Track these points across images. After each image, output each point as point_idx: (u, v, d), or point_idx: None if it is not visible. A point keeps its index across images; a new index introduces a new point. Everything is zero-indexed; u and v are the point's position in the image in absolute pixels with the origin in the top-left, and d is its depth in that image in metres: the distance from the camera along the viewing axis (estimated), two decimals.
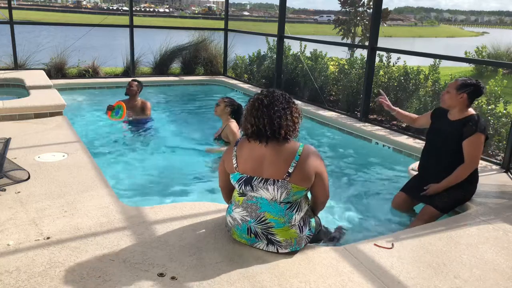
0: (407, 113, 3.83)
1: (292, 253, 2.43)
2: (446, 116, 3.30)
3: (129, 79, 6.13)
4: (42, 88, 6.17)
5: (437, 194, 3.21)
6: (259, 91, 2.48)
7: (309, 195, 2.59)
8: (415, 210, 3.51)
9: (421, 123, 3.63)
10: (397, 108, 3.78)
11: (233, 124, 4.55)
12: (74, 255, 2.30)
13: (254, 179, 2.36)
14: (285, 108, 2.35)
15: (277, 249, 2.41)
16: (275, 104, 2.33)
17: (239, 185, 2.41)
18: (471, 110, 3.23)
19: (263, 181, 2.35)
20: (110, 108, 5.59)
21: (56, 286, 2.05)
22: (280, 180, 2.32)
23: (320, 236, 2.67)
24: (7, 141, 4.05)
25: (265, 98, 2.35)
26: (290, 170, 2.31)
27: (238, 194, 2.47)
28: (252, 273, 2.23)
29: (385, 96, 3.82)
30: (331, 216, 3.43)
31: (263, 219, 2.38)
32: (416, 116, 3.74)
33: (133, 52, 8.20)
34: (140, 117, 5.81)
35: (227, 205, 2.72)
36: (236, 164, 2.41)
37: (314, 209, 2.62)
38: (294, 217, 2.38)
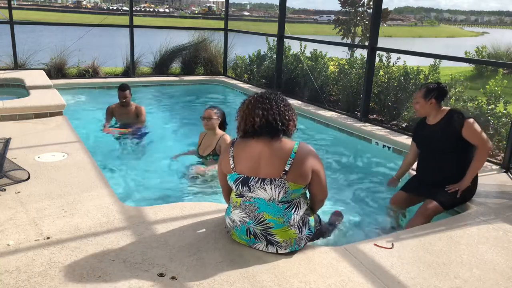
0: (403, 166, 3.74)
1: (291, 253, 2.43)
2: (426, 123, 3.40)
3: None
4: (42, 88, 6.17)
5: (441, 190, 3.22)
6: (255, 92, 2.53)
7: (308, 194, 2.59)
8: (410, 211, 3.50)
9: (413, 153, 3.62)
10: (396, 178, 3.75)
11: (227, 136, 4.09)
12: (74, 255, 2.30)
13: (251, 179, 2.37)
14: (278, 102, 2.40)
15: (276, 250, 2.41)
16: (268, 99, 2.39)
17: (236, 186, 2.41)
18: (445, 108, 3.33)
19: (260, 181, 2.35)
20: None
21: (56, 286, 2.05)
22: (277, 179, 2.33)
23: (320, 234, 2.67)
24: (7, 141, 4.05)
25: (259, 97, 2.41)
26: (287, 168, 2.32)
27: (235, 195, 2.47)
28: (252, 273, 2.23)
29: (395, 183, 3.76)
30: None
31: (261, 219, 2.38)
32: (406, 158, 3.72)
33: (133, 52, 8.20)
34: (136, 124, 5.46)
35: (227, 205, 2.72)
36: (233, 165, 2.42)
37: (312, 208, 2.62)
38: (293, 217, 2.38)
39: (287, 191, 2.34)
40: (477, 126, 3.16)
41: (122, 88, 5.44)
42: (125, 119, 5.49)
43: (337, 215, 3.19)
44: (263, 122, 2.35)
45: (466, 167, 3.21)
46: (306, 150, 2.38)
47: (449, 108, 3.32)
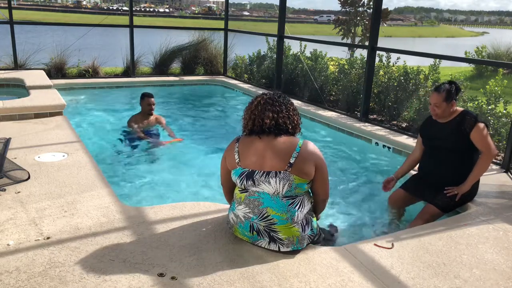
0: (405, 165, 3.59)
1: (293, 253, 2.43)
2: (435, 122, 3.33)
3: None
4: (42, 88, 6.16)
5: (440, 193, 3.21)
6: (260, 92, 2.58)
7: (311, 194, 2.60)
8: (408, 210, 3.49)
9: (420, 149, 3.51)
10: (395, 177, 3.54)
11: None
12: (74, 255, 2.30)
13: (256, 173, 2.40)
14: (288, 106, 2.50)
15: (278, 247, 2.41)
16: (278, 101, 2.48)
17: (240, 180, 2.44)
18: (458, 108, 3.30)
19: (265, 174, 2.38)
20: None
21: (56, 286, 2.05)
22: (282, 172, 2.36)
23: (320, 239, 2.67)
24: (7, 141, 4.05)
25: (268, 99, 2.49)
26: (292, 161, 2.37)
27: (239, 190, 2.49)
28: (252, 273, 2.23)
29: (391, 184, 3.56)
30: (331, 216, 3.43)
31: (265, 215, 2.39)
32: (412, 154, 3.58)
33: (133, 52, 8.19)
34: (170, 136, 5.28)
35: (227, 205, 2.72)
36: (238, 159, 2.45)
37: (315, 210, 2.63)
38: (296, 214, 2.40)
39: (291, 185, 2.37)
40: (486, 132, 3.14)
41: (150, 95, 5.20)
42: (147, 128, 5.29)
43: (333, 228, 3.16)
44: (273, 124, 2.43)
45: (468, 169, 3.20)
46: (311, 146, 2.45)
47: (462, 109, 3.29)
